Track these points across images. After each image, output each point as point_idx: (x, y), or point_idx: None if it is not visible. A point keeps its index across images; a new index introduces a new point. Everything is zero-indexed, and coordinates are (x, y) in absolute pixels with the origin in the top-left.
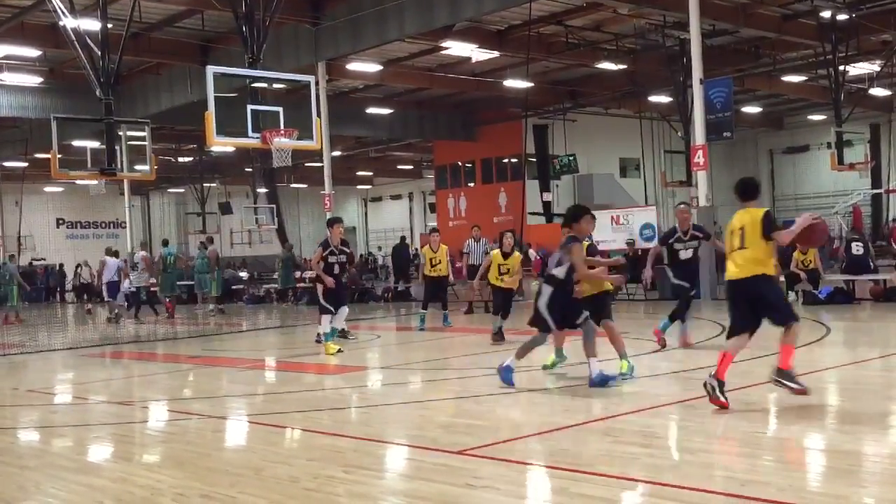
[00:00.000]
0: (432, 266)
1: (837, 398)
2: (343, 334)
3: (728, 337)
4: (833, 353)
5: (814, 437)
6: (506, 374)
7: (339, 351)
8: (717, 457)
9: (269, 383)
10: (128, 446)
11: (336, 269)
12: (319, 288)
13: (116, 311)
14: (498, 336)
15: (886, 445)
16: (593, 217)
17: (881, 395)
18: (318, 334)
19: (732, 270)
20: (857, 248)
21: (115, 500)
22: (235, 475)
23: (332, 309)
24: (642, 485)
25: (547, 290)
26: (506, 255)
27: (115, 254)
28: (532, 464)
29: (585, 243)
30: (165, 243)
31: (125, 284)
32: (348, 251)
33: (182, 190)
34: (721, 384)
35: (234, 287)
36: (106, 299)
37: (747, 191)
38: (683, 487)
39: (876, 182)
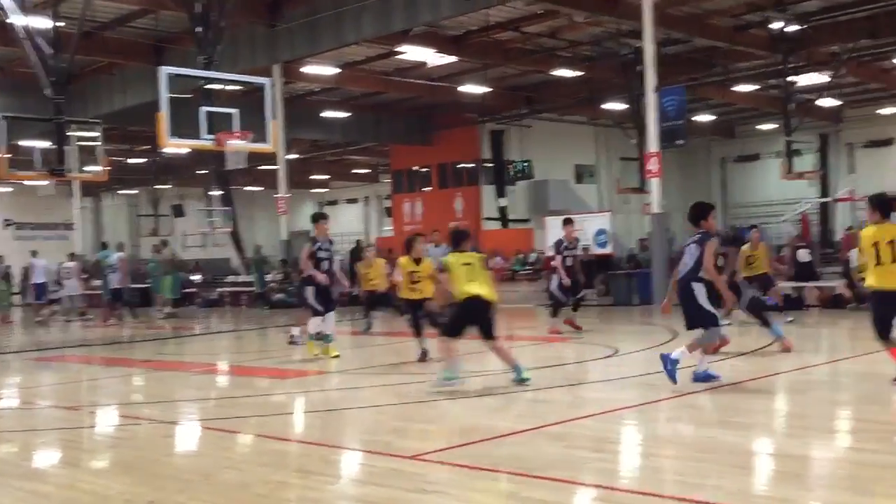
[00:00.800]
0: (367, 281)
1: (785, 403)
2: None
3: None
4: (781, 359)
5: (762, 442)
6: (671, 367)
7: (336, 356)
8: (668, 461)
9: (222, 388)
10: (75, 452)
11: (326, 266)
12: (309, 289)
13: (46, 312)
14: (423, 356)
15: (832, 450)
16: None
17: (827, 400)
18: (292, 335)
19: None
20: (804, 256)
21: None
22: (185, 481)
23: (321, 310)
24: (594, 489)
25: (700, 288)
26: (417, 262)
27: (35, 253)
28: (484, 469)
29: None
30: (104, 246)
31: (64, 289)
32: (332, 249)
33: (135, 192)
34: None
35: (187, 290)
36: (33, 301)
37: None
38: (635, 492)
39: (824, 191)
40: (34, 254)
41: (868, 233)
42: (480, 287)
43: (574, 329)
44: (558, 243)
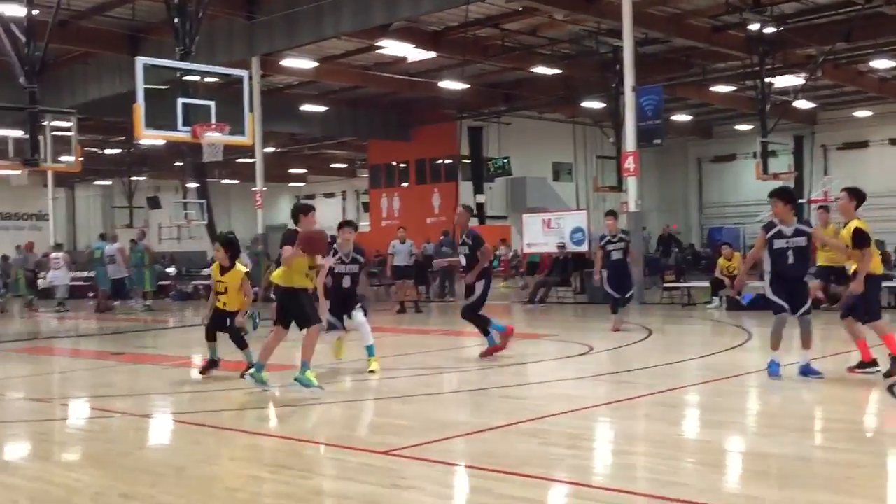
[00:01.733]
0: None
1: (757, 402)
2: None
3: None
4: (754, 357)
5: (734, 440)
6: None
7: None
8: (641, 458)
9: (196, 381)
10: (46, 444)
11: (346, 283)
12: (324, 303)
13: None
14: (210, 365)
15: (803, 448)
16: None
17: (799, 399)
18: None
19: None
20: None
21: (30, 499)
22: (157, 474)
23: (340, 325)
24: (567, 486)
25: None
26: (224, 270)
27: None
28: (458, 464)
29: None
30: (103, 238)
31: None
32: (362, 261)
33: (109, 183)
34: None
35: (161, 283)
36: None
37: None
38: (607, 489)
39: (798, 192)
40: None
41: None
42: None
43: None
44: (601, 237)
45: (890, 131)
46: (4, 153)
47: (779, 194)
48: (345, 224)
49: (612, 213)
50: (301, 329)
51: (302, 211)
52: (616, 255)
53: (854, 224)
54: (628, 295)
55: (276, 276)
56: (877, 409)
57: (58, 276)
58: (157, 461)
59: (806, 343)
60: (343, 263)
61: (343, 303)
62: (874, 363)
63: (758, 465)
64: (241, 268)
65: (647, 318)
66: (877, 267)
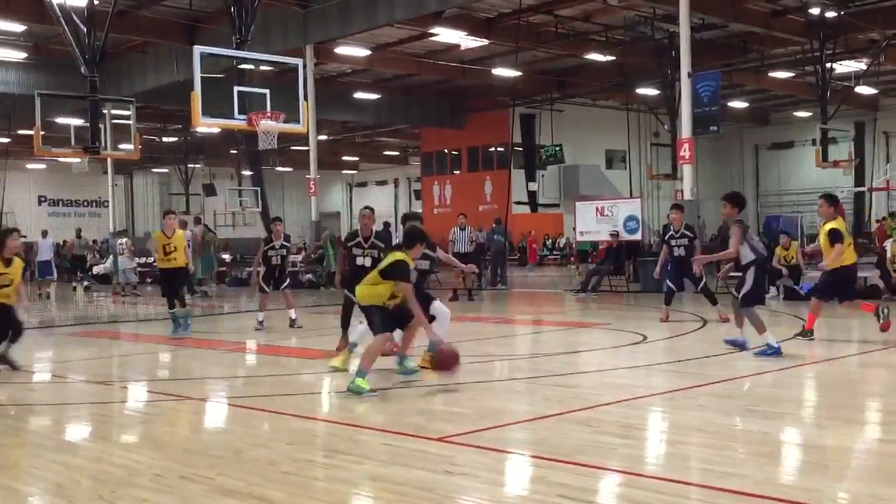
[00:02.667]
0: (166, 255)
1: (814, 393)
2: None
3: None
4: (812, 347)
5: (790, 431)
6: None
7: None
8: (695, 449)
9: (250, 366)
10: (106, 426)
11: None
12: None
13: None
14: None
15: (861, 441)
16: None
17: (857, 391)
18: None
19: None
20: None
21: (93, 479)
22: (214, 457)
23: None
24: (620, 475)
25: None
26: (7, 262)
27: (45, 233)
28: (511, 452)
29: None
30: (198, 221)
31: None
32: (381, 246)
33: (166, 170)
34: None
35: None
36: (37, 277)
37: None
38: (661, 479)
39: (859, 180)
40: (44, 233)
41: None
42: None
43: (722, 321)
44: (665, 229)
45: None
46: (66, 141)
47: (729, 199)
48: (365, 208)
49: (678, 207)
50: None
51: (420, 239)
52: (678, 252)
53: (833, 224)
54: (700, 288)
55: (363, 296)
56: None
57: (123, 262)
58: (214, 444)
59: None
60: (361, 248)
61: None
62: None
63: (815, 457)
64: (19, 261)
65: (702, 307)
66: (849, 258)
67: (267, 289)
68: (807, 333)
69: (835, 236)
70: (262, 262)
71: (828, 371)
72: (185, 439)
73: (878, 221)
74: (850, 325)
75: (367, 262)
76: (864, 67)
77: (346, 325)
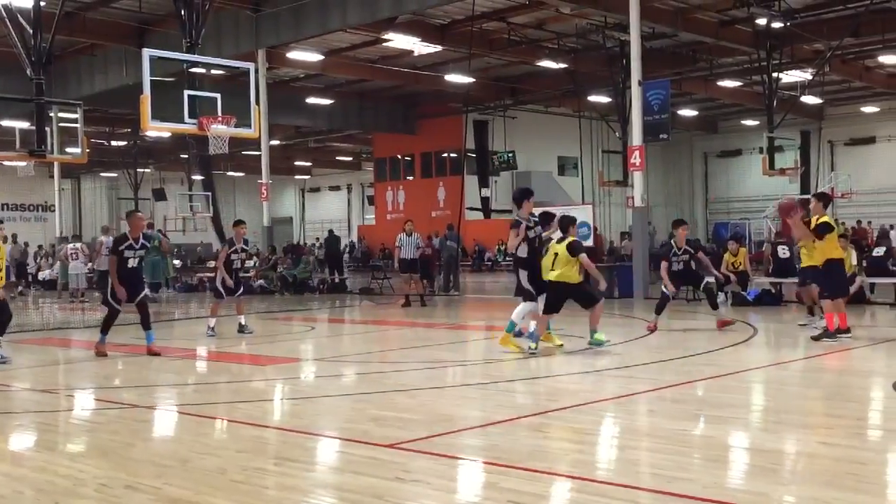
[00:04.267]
0: None
1: (762, 397)
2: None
3: None
4: (759, 353)
5: (738, 436)
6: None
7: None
8: (645, 454)
9: (200, 373)
10: (51, 435)
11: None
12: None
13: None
14: None
15: (807, 444)
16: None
17: (803, 396)
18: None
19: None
20: (783, 252)
21: (36, 490)
22: (161, 466)
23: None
24: (571, 480)
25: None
26: None
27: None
28: (463, 458)
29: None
30: (105, 230)
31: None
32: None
33: (115, 174)
34: None
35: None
36: None
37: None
38: (612, 483)
39: (804, 188)
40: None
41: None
42: None
43: (726, 325)
44: (668, 249)
45: None
46: (11, 144)
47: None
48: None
49: (682, 223)
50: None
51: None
52: (677, 267)
53: (824, 218)
54: (703, 287)
55: (562, 276)
56: (882, 406)
57: (75, 267)
58: (161, 453)
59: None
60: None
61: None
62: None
63: (762, 461)
64: None
65: (652, 313)
66: (837, 252)
67: (224, 294)
68: (843, 331)
69: (824, 228)
70: (224, 266)
71: (775, 376)
72: (132, 448)
73: None
74: (796, 331)
75: (135, 262)
76: (810, 77)
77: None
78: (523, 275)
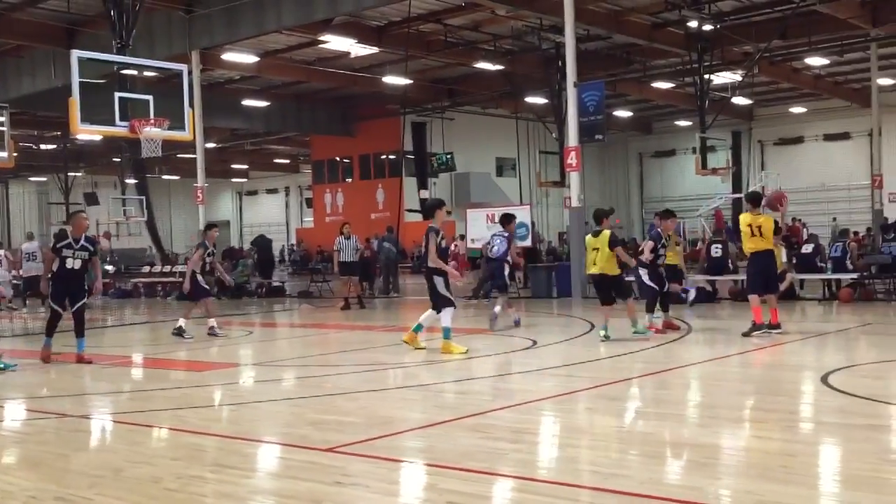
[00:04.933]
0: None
1: (697, 393)
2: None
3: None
4: (694, 349)
5: (674, 431)
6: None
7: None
8: (583, 451)
9: (135, 380)
10: None
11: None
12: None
13: None
14: None
15: (741, 438)
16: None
17: (737, 391)
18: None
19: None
20: (716, 250)
21: None
22: (94, 476)
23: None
24: (511, 480)
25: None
26: None
27: None
28: (402, 460)
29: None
30: (30, 237)
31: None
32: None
33: (44, 179)
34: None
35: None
36: None
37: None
38: (551, 482)
39: (736, 186)
40: None
41: (745, 219)
42: None
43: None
44: (657, 237)
45: (824, 127)
46: None
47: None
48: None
49: (669, 213)
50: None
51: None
52: (663, 259)
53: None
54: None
55: (604, 269)
56: (812, 399)
57: (1, 275)
58: (94, 463)
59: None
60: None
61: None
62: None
63: (697, 456)
64: None
65: (591, 312)
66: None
67: (209, 291)
68: (772, 326)
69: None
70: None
71: (710, 371)
72: (63, 458)
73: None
74: (730, 327)
75: (77, 264)
76: (740, 79)
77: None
78: (439, 281)
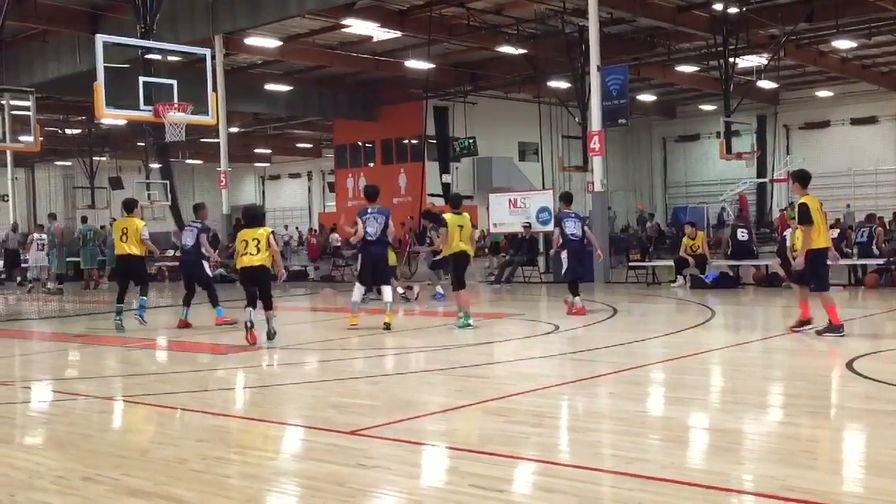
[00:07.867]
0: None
1: (720, 379)
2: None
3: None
4: (717, 335)
5: (696, 416)
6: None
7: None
8: (605, 436)
9: (160, 363)
10: (7, 428)
11: None
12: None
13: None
14: None
15: (764, 424)
16: None
17: (760, 376)
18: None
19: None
20: (742, 235)
21: None
22: (120, 457)
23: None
24: (533, 464)
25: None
26: None
27: None
28: (424, 443)
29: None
30: (84, 220)
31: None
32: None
33: (70, 163)
34: None
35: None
36: None
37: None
38: (572, 466)
39: (761, 171)
40: None
41: (814, 203)
42: None
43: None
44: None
45: (850, 111)
46: None
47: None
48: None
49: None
50: None
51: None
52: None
53: (801, 200)
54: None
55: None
56: (837, 385)
57: (40, 258)
58: (120, 444)
59: None
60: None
61: None
62: (809, 321)
63: (720, 441)
64: None
65: (613, 296)
66: (822, 241)
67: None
68: (805, 323)
69: (804, 215)
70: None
71: (732, 357)
72: (90, 439)
73: (781, 211)
74: (753, 312)
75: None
76: (765, 62)
77: None
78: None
